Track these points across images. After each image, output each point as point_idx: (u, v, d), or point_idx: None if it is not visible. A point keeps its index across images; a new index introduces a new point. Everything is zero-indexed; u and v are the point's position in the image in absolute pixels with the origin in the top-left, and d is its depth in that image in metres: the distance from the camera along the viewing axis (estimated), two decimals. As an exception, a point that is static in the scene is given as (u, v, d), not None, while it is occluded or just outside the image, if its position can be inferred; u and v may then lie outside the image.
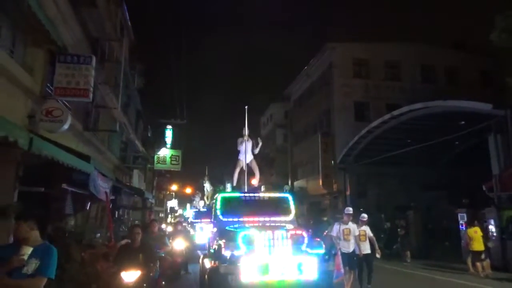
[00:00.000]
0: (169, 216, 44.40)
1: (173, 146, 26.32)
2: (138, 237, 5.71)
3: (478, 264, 11.18)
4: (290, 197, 8.45)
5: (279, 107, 37.15)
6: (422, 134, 17.61)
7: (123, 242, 6.76)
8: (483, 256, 11.07)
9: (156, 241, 7.55)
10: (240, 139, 9.73)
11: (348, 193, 22.78)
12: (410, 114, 17.46)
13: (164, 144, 24.59)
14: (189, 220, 24.65)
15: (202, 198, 27.35)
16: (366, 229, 8.77)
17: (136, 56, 21.35)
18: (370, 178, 22.52)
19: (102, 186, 8.79)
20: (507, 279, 10.08)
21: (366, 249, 8.61)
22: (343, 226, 8.48)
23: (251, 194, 8.45)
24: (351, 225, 8.53)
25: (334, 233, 8.51)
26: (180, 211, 58.95)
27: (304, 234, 6.72)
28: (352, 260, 8.38)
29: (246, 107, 9.76)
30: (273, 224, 7.33)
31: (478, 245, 11.21)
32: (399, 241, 15.28)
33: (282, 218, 7.82)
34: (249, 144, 9.65)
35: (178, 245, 10.48)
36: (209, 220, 10.26)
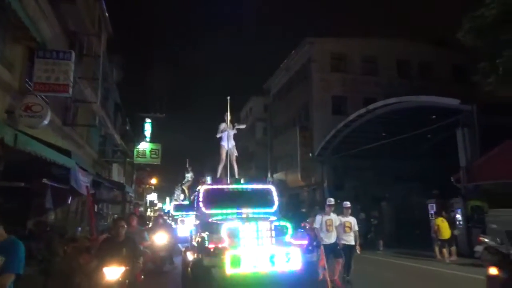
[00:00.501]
0: (149, 209, 44.36)
1: (152, 140, 26.37)
2: (122, 231, 5.55)
3: (445, 250, 11.96)
4: (273, 189, 8.39)
5: (259, 100, 37.46)
6: (397, 127, 18.26)
7: (104, 236, 6.86)
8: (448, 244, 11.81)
9: (134, 236, 7.15)
10: (222, 125, 9.65)
11: (325, 185, 23.41)
12: (385, 109, 18.12)
13: (143, 137, 24.61)
14: (170, 213, 24.82)
15: (182, 192, 27.32)
16: (352, 220, 8.62)
17: (114, 49, 21.29)
18: (347, 170, 23.14)
19: (82, 181, 8.95)
20: (471, 264, 10.80)
21: (350, 240, 8.46)
22: (325, 217, 8.41)
23: (234, 186, 8.39)
24: (333, 216, 8.49)
25: (317, 224, 8.43)
26: (159, 205, 58.94)
27: (288, 225, 6.82)
28: (336, 249, 8.34)
29: (228, 97, 9.68)
30: (257, 216, 7.27)
31: (445, 233, 11.99)
32: (372, 230, 16.01)
33: (266, 210, 7.77)
34: (232, 132, 9.61)
35: (160, 239, 10.33)
36: (190, 213, 10.24)
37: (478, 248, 10.00)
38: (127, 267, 5.18)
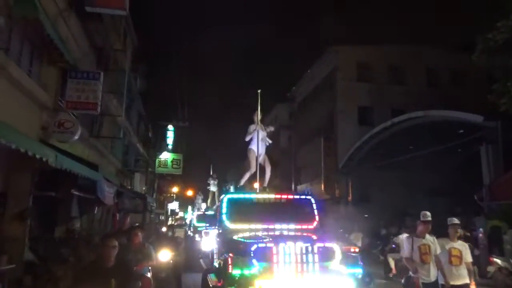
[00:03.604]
0: (170, 218, 45.85)
1: (174, 148, 27.67)
2: (112, 253, 4.28)
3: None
4: (312, 200, 7.38)
5: (284, 108, 38.28)
6: (423, 141, 18.64)
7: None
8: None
9: (137, 255, 6.13)
10: (252, 127, 8.94)
11: (350, 198, 23.96)
12: (410, 122, 18.62)
13: (165, 147, 25.94)
14: (192, 223, 25.11)
15: (204, 200, 27.58)
16: (462, 247, 5.87)
17: (139, 57, 22.72)
18: (373, 183, 23.49)
19: (107, 191, 10.15)
20: (486, 285, 11.18)
21: (461, 277, 5.70)
22: (417, 241, 5.87)
23: (265, 196, 7.40)
24: (430, 239, 5.89)
25: (405, 252, 6.01)
26: (181, 214, 60.46)
27: (336, 247, 5.83)
28: None
29: (259, 91, 8.90)
30: (294, 233, 6.46)
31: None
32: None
33: (304, 226, 6.89)
34: (262, 133, 8.91)
35: (163, 256, 9.20)
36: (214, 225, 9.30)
37: (491, 269, 10.50)
38: None
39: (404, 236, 6.73)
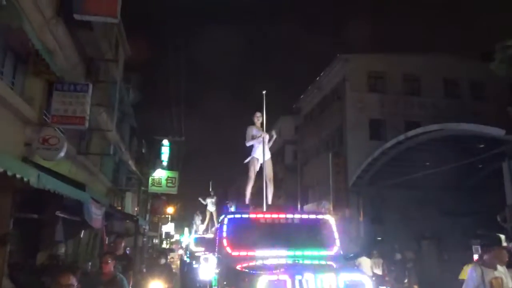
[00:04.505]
0: (164, 242, 45.63)
1: (169, 165, 27.62)
2: None
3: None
4: (332, 220, 6.73)
5: (289, 121, 38.37)
6: (441, 156, 18.62)
7: None
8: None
9: None
10: (253, 130, 8.20)
11: (361, 218, 23.80)
12: (426, 136, 18.60)
13: (159, 164, 25.92)
14: (189, 248, 24.70)
15: (203, 221, 26.97)
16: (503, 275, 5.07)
17: (132, 68, 22.96)
18: (386, 202, 23.37)
19: (95, 213, 10.10)
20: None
21: None
22: (488, 273, 4.95)
23: (274, 215, 6.62)
24: (502, 271, 5.08)
25: (470, 285, 5.07)
26: (176, 237, 60.11)
27: (366, 279, 5.15)
28: None
29: (264, 92, 8.08)
30: (312, 262, 5.76)
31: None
32: (406, 275, 16.22)
33: (323, 252, 6.22)
34: (267, 139, 8.15)
35: None
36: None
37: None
38: None
39: (471, 269, 5.22)
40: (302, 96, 34.11)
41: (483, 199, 20.68)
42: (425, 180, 19.90)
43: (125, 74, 21.68)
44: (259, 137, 8.08)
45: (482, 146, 16.95)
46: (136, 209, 25.18)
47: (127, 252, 12.51)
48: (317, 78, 30.20)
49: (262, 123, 8.25)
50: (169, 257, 18.16)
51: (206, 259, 14.83)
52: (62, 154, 9.41)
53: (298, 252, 6.09)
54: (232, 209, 8.03)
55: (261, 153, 7.97)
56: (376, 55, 26.69)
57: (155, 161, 26.57)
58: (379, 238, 22.08)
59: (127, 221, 16.81)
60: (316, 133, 30.81)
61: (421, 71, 26.06)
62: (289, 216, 6.66)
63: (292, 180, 35.24)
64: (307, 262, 5.75)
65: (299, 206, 32.64)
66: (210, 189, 30.75)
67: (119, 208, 20.32)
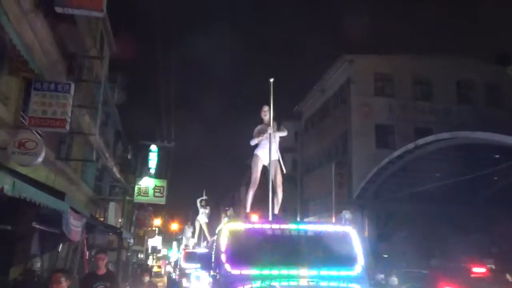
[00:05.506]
0: (150, 257, 45.39)
1: (157, 173, 27.49)
2: None
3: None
4: (353, 233, 6.23)
5: (289, 127, 37.78)
6: (453, 166, 18.64)
7: None
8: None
9: None
10: (259, 127, 7.59)
11: (366, 234, 23.74)
12: (437, 144, 18.63)
13: (146, 171, 25.82)
14: (179, 264, 24.32)
15: (194, 235, 26.58)
16: None
17: (118, 67, 22.99)
18: (393, 216, 23.35)
19: (74, 225, 10.03)
20: None
21: None
22: None
23: (283, 226, 6.11)
24: None
25: None
26: (164, 251, 59.83)
27: None
28: None
29: (271, 80, 7.47)
30: (329, 284, 5.44)
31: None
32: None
33: (343, 272, 5.72)
34: (276, 136, 7.40)
35: None
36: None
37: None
38: None
39: None
40: (303, 100, 34.14)
41: (498, 214, 20.70)
42: (436, 193, 19.88)
43: (111, 73, 21.68)
44: (262, 132, 7.40)
45: (497, 156, 17.00)
46: (120, 220, 25.07)
47: (109, 268, 12.43)
48: (320, 80, 30.23)
49: (269, 119, 7.44)
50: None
51: (198, 277, 14.41)
52: (39, 159, 9.36)
53: (313, 272, 5.57)
54: (232, 217, 6.84)
55: (267, 152, 7.21)
56: (383, 56, 26.73)
57: (141, 169, 26.46)
58: (385, 256, 22.05)
59: (110, 233, 16.74)
60: (318, 140, 30.80)
61: (433, 73, 26.11)
62: (302, 227, 6.23)
63: (291, 192, 35.07)
64: (323, 284, 5.38)
65: (298, 219, 32.64)
66: (204, 196, 30.09)
67: (102, 219, 20.23)
